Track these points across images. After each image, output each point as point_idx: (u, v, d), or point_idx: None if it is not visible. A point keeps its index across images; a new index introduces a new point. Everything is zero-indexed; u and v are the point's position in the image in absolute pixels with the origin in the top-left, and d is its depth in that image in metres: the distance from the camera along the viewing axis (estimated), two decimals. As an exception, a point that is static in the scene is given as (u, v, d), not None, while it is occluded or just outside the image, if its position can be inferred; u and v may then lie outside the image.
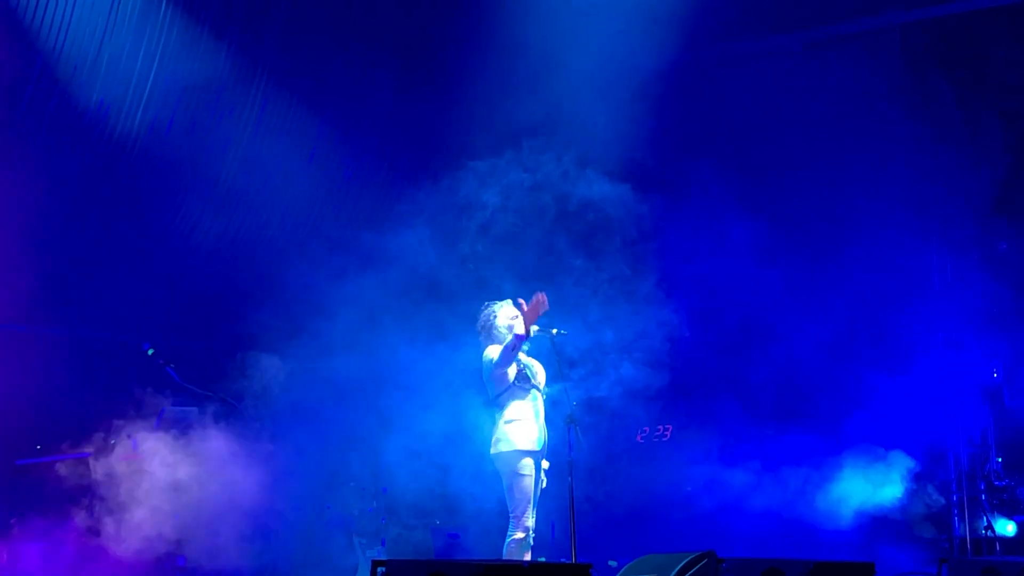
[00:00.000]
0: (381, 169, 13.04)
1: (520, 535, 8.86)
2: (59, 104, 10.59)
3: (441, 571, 6.17)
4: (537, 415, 9.08)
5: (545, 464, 9.13)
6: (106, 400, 10.54)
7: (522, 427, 8.97)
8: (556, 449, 9.21)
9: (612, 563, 10.92)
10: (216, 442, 9.61)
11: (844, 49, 13.23)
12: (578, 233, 11.49)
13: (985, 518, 12.20)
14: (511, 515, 8.91)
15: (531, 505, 8.92)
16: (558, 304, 10.50)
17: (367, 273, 11.18)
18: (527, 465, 8.93)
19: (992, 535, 12.14)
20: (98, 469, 9.19)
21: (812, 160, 13.14)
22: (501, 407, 9.07)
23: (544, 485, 9.15)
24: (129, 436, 9.30)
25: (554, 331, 9.35)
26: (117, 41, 10.74)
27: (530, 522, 8.89)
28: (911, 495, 12.04)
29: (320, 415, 10.91)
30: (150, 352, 9.65)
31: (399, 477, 11.17)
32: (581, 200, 11.34)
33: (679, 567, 9.01)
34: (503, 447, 8.97)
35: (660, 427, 12.13)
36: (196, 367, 10.25)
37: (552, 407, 9.45)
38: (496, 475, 9.14)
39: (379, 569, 6.32)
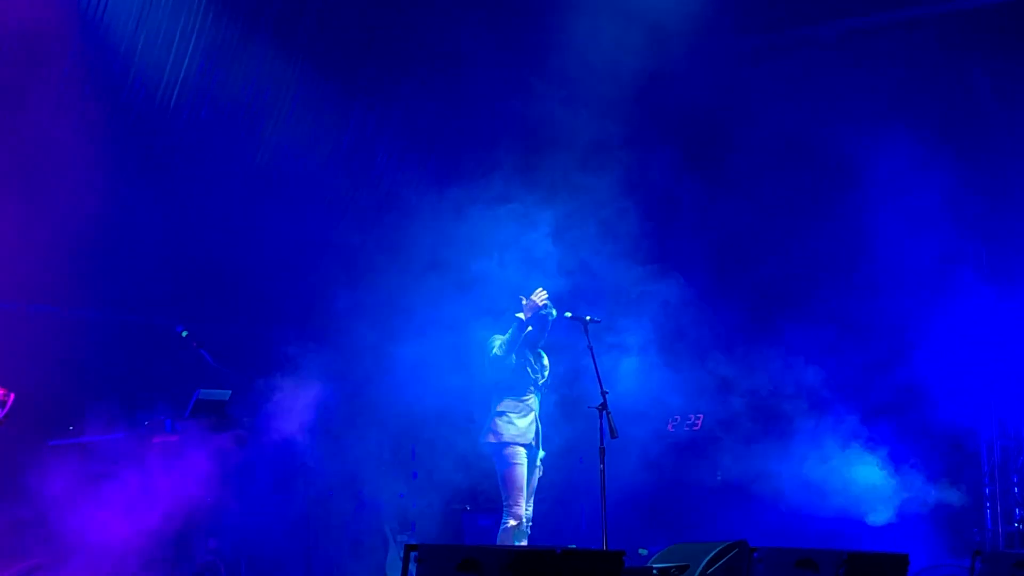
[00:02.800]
0: (415, 158, 13.00)
1: (512, 523, 8.95)
2: (95, 83, 10.60)
3: (474, 556, 6.17)
4: (530, 410, 9.14)
5: (541, 453, 9.21)
6: (140, 382, 10.59)
7: (512, 421, 9.05)
8: (590, 436, 9.19)
9: (642, 551, 10.89)
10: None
11: (880, 40, 13.12)
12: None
13: (1017, 511, 12.13)
14: (504, 503, 9.02)
15: (523, 493, 8.97)
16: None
17: (398, 262, 11.16)
18: (517, 454, 9.02)
19: (1024, 529, 12.07)
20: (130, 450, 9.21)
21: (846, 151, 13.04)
22: (497, 397, 9.14)
23: (540, 474, 9.22)
24: (163, 418, 9.33)
25: (587, 318, 9.34)
26: (153, 21, 10.71)
27: (522, 510, 8.96)
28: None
29: (350, 404, 10.92)
30: (184, 334, 9.67)
31: (429, 463, 11.17)
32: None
33: (710, 556, 9.00)
34: (491, 438, 9.12)
35: (691, 416, 12.09)
36: (229, 350, 10.27)
37: (585, 395, 9.42)
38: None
39: (412, 553, 6.31)
